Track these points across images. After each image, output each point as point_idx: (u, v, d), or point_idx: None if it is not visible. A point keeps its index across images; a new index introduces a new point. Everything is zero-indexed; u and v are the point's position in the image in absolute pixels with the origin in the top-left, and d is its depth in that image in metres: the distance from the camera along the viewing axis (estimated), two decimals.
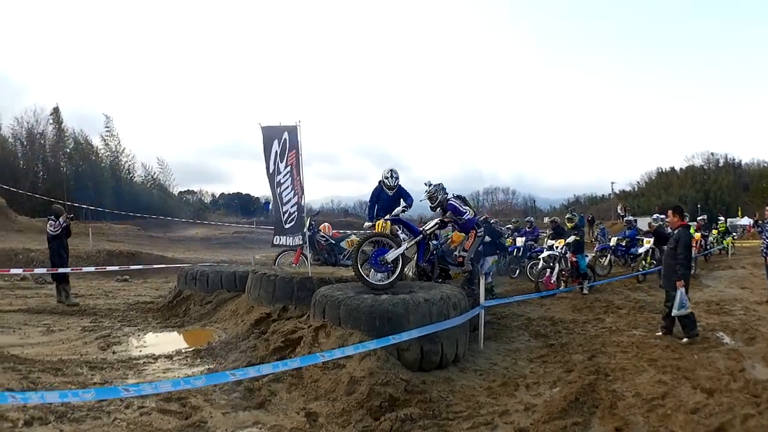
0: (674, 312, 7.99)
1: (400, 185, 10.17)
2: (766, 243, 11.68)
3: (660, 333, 8.42)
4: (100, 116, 71.63)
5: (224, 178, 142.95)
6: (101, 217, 38.19)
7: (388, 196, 10.06)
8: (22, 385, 5.58)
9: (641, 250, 16.22)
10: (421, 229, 8.47)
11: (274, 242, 9.76)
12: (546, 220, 40.05)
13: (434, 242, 9.28)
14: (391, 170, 10.10)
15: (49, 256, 12.25)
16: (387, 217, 8.86)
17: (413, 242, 8.18)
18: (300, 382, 6.03)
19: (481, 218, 14.73)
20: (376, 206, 10.23)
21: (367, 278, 7.52)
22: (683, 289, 7.92)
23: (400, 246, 7.75)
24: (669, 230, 10.45)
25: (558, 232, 14.53)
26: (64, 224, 12.09)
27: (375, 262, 7.70)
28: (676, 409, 5.30)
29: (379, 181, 10.25)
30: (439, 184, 8.89)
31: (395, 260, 7.67)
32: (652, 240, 15.84)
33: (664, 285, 8.59)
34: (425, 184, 8.99)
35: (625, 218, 18.39)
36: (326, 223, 13.97)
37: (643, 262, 15.95)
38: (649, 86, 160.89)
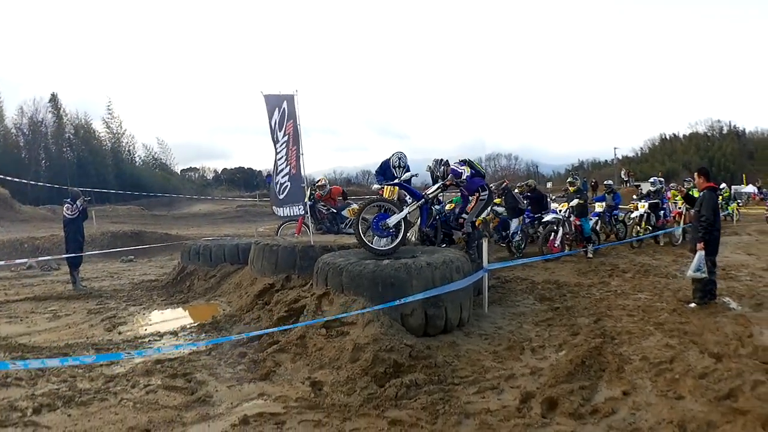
0: (689, 274, 7.83)
1: (408, 166, 10.11)
2: None
3: (693, 304, 7.95)
4: (100, 101, 71.73)
5: (225, 154, 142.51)
6: (104, 199, 38.31)
7: (393, 175, 9.98)
8: (30, 372, 5.56)
9: (633, 215, 15.94)
10: (423, 193, 8.40)
11: (277, 213, 9.73)
12: (548, 185, 39.73)
13: (437, 207, 9.24)
14: (399, 157, 10.03)
15: (65, 241, 11.97)
16: (393, 182, 8.81)
17: (415, 206, 8.12)
18: (304, 351, 6.00)
19: (502, 184, 14.78)
20: (384, 177, 10.16)
21: (370, 244, 7.48)
22: (702, 252, 7.70)
23: (402, 211, 7.68)
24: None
25: (535, 199, 14.56)
26: (82, 207, 11.86)
27: (376, 227, 7.66)
28: (685, 373, 5.23)
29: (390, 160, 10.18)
30: (435, 160, 8.93)
31: (397, 225, 7.59)
32: (646, 204, 15.55)
33: (692, 249, 8.22)
34: (426, 170, 9.14)
35: (605, 182, 18.17)
36: (336, 186, 14.08)
37: (638, 227, 15.63)
38: (652, 52, 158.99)
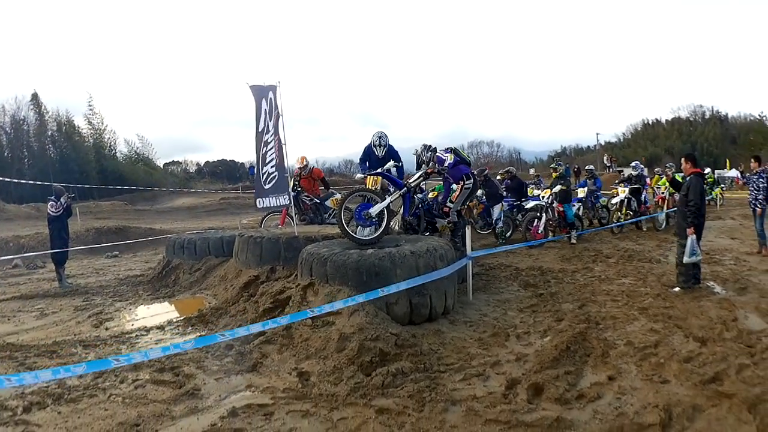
0: (685, 259, 7.89)
1: (390, 146, 10.17)
2: (753, 195, 11.61)
3: (677, 289, 8.11)
4: (82, 97, 70.93)
5: (207, 147, 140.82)
6: (88, 195, 38.07)
7: (377, 157, 10.02)
8: (19, 371, 5.55)
9: (614, 200, 15.96)
10: (405, 182, 8.43)
11: (258, 205, 9.71)
12: (531, 171, 39.69)
13: (419, 196, 9.27)
14: (380, 137, 10.07)
15: (50, 238, 11.84)
16: (375, 171, 8.84)
17: (397, 195, 8.15)
18: (291, 342, 6.03)
19: (484, 171, 14.85)
20: (367, 163, 10.20)
21: (353, 234, 7.52)
22: (694, 237, 7.81)
23: (385, 200, 7.72)
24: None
25: (515, 187, 14.64)
26: (66, 204, 11.75)
27: (359, 217, 7.70)
28: (669, 357, 5.30)
29: (371, 142, 10.22)
30: (422, 146, 8.89)
31: (380, 214, 7.62)
32: (626, 189, 15.54)
33: (677, 233, 8.44)
34: (413, 154, 9.09)
35: (586, 168, 18.23)
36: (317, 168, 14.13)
37: (618, 213, 15.63)
38: (634, 37, 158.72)
